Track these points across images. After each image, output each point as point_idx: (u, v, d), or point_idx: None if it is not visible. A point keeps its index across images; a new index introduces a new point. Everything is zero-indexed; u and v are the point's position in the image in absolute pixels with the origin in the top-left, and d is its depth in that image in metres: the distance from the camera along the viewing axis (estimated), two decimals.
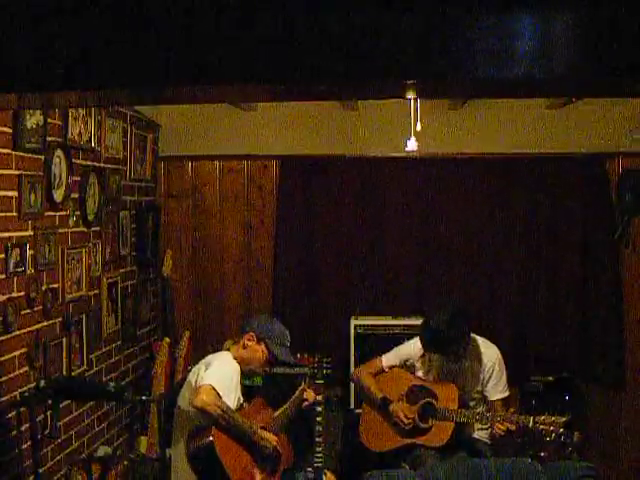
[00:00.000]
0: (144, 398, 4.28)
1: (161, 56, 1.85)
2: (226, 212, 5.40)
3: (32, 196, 3.52)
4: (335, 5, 1.78)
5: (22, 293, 3.47)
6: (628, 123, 5.04)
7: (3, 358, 3.32)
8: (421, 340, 4.10)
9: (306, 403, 3.97)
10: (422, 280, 5.25)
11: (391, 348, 4.36)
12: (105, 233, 4.41)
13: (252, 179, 5.38)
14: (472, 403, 4.14)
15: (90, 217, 4.17)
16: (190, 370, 3.93)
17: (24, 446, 3.45)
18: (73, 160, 3.92)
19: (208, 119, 5.26)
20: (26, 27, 1.87)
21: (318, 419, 3.91)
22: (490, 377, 4.11)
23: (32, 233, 3.55)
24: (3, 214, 3.32)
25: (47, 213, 3.70)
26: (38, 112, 3.47)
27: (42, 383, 3.38)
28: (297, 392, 3.99)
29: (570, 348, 5.16)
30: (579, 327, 5.17)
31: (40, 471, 3.48)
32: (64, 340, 3.87)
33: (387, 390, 4.21)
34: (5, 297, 3.33)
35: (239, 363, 3.74)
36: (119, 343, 4.64)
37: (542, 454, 4.35)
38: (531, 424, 3.85)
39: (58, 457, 3.81)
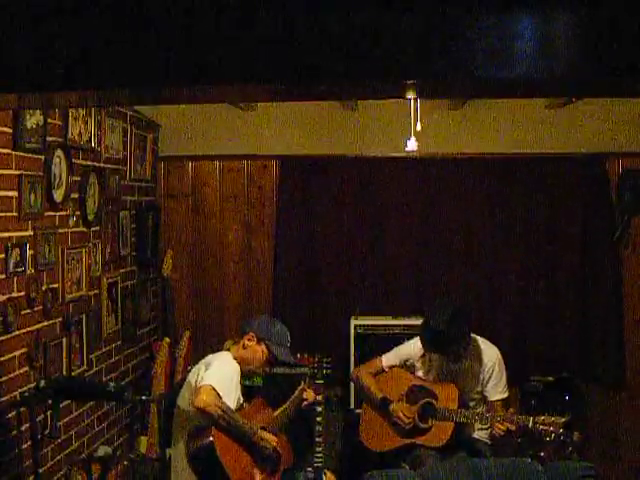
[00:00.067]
0: (144, 398, 4.28)
1: (161, 56, 1.85)
2: (226, 212, 5.40)
3: (32, 196, 3.52)
4: (335, 5, 1.78)
5: (22, 293, 3.47)
6: (628, 123, 5.04)
7: (3, 358, 3.32)
8: (421, 340, 4.10)
9: (306, 403, 3.97)
10: (422, 280, 5.25)
11: (391, 348, 4.36)
12: (105, 233, 4.41)
13: (252, 179, 5.38)
14: (472, 403, 4.14)
15: (90, 217, 4.17)
16: (190, 370, 3.93)
17: (24, 446, 3.45)
18: (73, 160, 3.92)
19: (208, 119, 5.26)
20: (26, 27, 1.87)
21: (318, 419, 3.91)
22: (490, 377, 4.11)
23: (32, 233, 3.55)
24: (3, 214, 3.32)
25: (47, 213, 3.70)
26: (38, 112, 3.47)
27: (42, 383, 3.38)
28: (297, 392, 3.99)
29: (570, 348, 5.16)
30: (579, 327, 5.17)
31: (40, 471, 3.48)
32: (64, 340, 3.87)
33: (387, 390, 4.21)
34: (5, 297, 3.32)
35: (239, 363, 3.74)
36: (119, 343, 4.64)
37: (542, 454, 4.35)
38: (531, 424, 3.85)
39: (58, 457, 3.81)
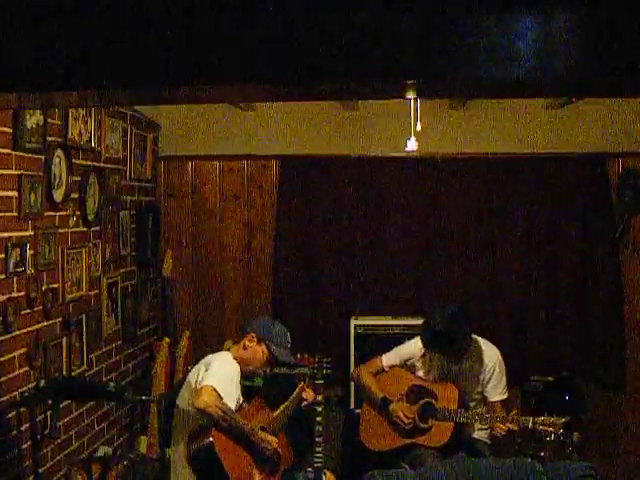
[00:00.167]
0: (144, 398, 4.28)
1: (161, 56, 1.85)
2: (226, 212, 5.40)
3: (32, 196, 3.52)
4: (335, 5, 1.78)
5: (22, 293, 3.47)
6: (628, 123, 5.04)
7: (3, 358, 3.32)
8: (422, 340, 4.10)
9: (305, 402, 3.97)
10: (422, 280, 5.25)
11: (391, 348, 4.36)
12: (105, 233, 4.41)
13: (252, 179, 5.38)
14: (472, 404, 4.14)
15: (90, 217, 4.17)
16: (190, 370, 3.93)
17: (24, 446, 3.45)
18: (73, 160, 3.92)
19: (208, 119, 5.26)
20: (26, 27, 1.87)
21: (318, 419, 3.91)
22: (490, 378, 4.11)
23: (32, 233, 3.55)
24: (3, 214, 3.32)
25: (47, 213, 3.70)
26: (38, 112, 3.47)
27: (42, 383, 3.39)
28: (296, 391, 3.98)
29: (570, 348, 5.16)
30: (579, 327, 5.17)
31: (40, 471, 3.48)
32: (64, 340, 3.87)
33: (387, 390, 4.21)
34: (5, 297, 3.32)
35: (239, 363, 3.74)
36: (119, 343, 4.64)
37: (542, 454, 4.35)
38: (530, 425, 3.85)
39: (58, 457, 3.81)
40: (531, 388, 4.98)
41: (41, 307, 3.64)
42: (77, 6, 1.85)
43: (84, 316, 4.10)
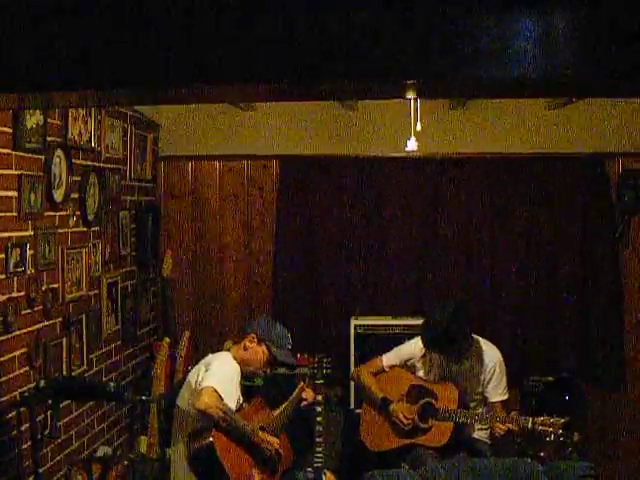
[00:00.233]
0: (144, 398, 4.28)
1: (161, 56, 1.85)
2: (226, 212, 5.40)
3: (32, 196, 3.52)
4: (335, 5, 1.78)
5: (22, 293, 3.47)
6: (628, 123, 5.04)
7: (3, 358, 3.31)
8: (422, 339, 4.10)
9: (305, 403, 3.97)
10: (422, 280, 5.25)
11: (391, 348, 4.36)
12: (105, 233, 4.41)
13: (252, 179, 5.38)
14: (472, 404, 4.14)
15: (90, 217, 4.17)
16: (190, 370, 3.93)
17: (24, 446, 3.45)
18: (73, 160, 3.92)
19: (208, 119, 5.27)
20: (26, 27, 1.87)
21: (318, 419, 3.91)
22: (491, 379, 4.11)
23: (32, 233, 3.55)
24: (3, 214, 3.32)
25: (47, 213, 3.70)
26: (38, 112, 3.47)
27: (42, 383, 3.39)
28: (296, 391, 3.98)
29: (570, 348, 5.16)
30: (579, 327, 5.17)
31: (40, 471, 3.48)
32: (64, 340, 3.87)
33: (387, 390, 4.21)
34: (5, 297, 3.32)
35: (239, 364, 3.74)
36: (119, 343, 4.63)
37: (542, 454, 4.34)
38: (530, 425, 3.85)
39: (58, 457, 3.81)
40: (531, 388, 4.98)
41: (41, 307, 3.64)
42: (77, 6, 1.85)
43: (84, 316, 4.10)
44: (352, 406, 4.87)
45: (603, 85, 2.04)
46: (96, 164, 4.27)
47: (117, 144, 4.58)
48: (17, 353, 3.43)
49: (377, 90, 2.14)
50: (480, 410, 4.11)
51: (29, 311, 3.54)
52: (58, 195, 3.79)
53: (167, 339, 4.92)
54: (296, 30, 1.79)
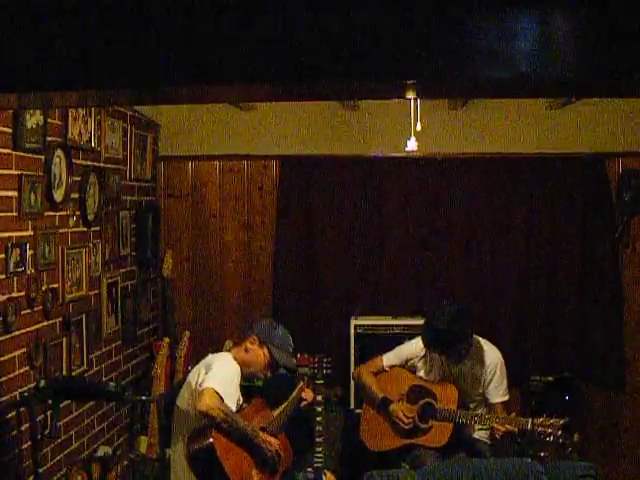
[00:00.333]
0: (144, 398, 4.28)
1: (161, 56, 1.85)
2: (226, 212, 5.40)
3: (32, 196, 3.52)
4: (335, 5, 1.78)
5: (22, 293, 3.47)
6: (628, 123, 5.04)
7: (3, 358, 3.32)
8: (423, 339, 4.10)
9: (304, 403, 3.97)
10: (422, 280, 5.25)
11: (391, 348, 4.36)
12: (105, 233, 4.41)
13: (252, 179, 5.38)
14: (473, 405, 4.13)
15: (90, 217, 4.17)
16: (190, 370, 3.93)
17: (24, 446, 3.45)
18: (73, 160, 3.92)
19: (208, 119, 5.26)
20: (26, 27, 1.87)
21: (318, 419, 3.91)
22: (491, 379, 4.11)
23: (32, 233, 3.55)
24: (3, 214, 3.32)
25: (47, 213, 3.70)
26: (38, 112, 3.47)
27: (42, 383, 3.39)
28: (295, 391, 3.98)
29: (570, 348, 5.16)
30: (579, 327, 5.17)
31: (40, 471, 3.48)
32: (64, 340, 3.87)
33: (387, 390, 4.21)
34: (5, 297, 3.32)
35: (240, 365, 3.73)
36: (119, 343, 4.63)
37: (542, 454, 4.35)
38: (529, 426, 3.85)
39: (58, 457, 3.81)
40: (531, 388, 4.98)
41: (41, 307, 3.64)
42: (77, 6, 1.85)
43: (84, 316, 4.10)
44: (352, 406, 4.87)
45: (603, 85, 2.04)
46: (96, 164, 4.28)
47: (117, 144, 4.58)
48: (17, 353, 3.43)
49: (377, 90, 2.15)
50: (480, 411, 4.11)
51: (29, 311, 3.54)
52: (58, 195, 3.79)
53: (167, 339, 4.92)
54: (296, 30, 1.79)
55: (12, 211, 3.39)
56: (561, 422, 3.80)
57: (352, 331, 5.00)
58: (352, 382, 4.80)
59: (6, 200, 3.34)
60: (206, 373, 3.56)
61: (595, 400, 5.16)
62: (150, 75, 1.89)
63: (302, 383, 4.03)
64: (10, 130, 3.33)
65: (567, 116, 5.07)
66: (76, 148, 3.98)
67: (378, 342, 4.81)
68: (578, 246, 5.14)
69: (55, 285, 3.79)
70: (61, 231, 3.86)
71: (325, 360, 4.02)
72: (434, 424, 4.04)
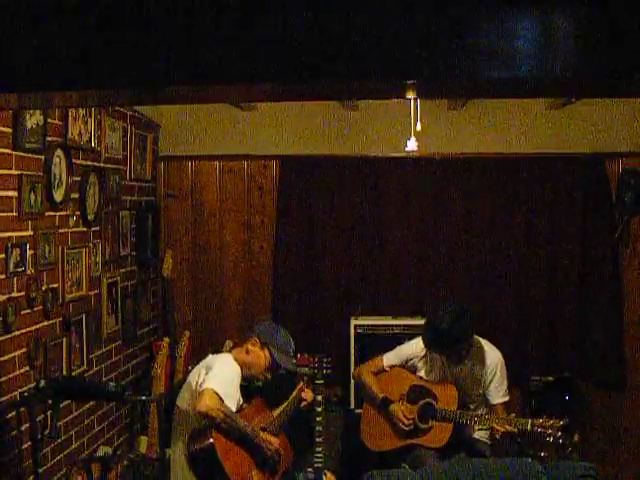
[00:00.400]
0: (144, 398, 4.28)
1: (161, 56, 1.85)
2: (226, 212, 5.40)
3: (32, 196, 3.52)
4: (335, 5, 1.78)
5: (22, 293, 3.47)
6: (628, 123, 5.04)
7: (3, 358, 3.32)
8: (424, 340, 4.10)
9: (304, 403, 3.97)
10: (422, 280, 5.25)
11: (391, 348, 4.36)
12: (105, 233, 4.41)
13: (252, 179, 5.38)
14: (473, 405, 4.14)
15: (90, 217, 4.17)
16: (190, 370, 3.93)
17: (24, 446, 3.45)
18: (73, 160, 3.92)
19: (208, 119, 5.26)
20: (26, 27, 1.87)
21: (318, 419, 3.91)
22: (492, 380, 4.11)
23: (32, 233, 3.55)
24: (3, 214, 3.32)
25: (47, 213, 3.70)
26: (38, 112, 3.47)
27: (42, 383, 3.39)
28: (295, 392, 3.98)
29: (570, 348, 5.16)
30: (579, 327, 5.17)
31: (40, 471, 3.48)
32: (64, 340, 3.87)
33: (388, 389, 4.21)
34: (5, 297, 3.32)
35: (240, 366, 3.74)
36: (119, 343, 4.63)
37: (542, 454, 4.35)
38: (529, 427, 3.85)
39: (58, 457, 3.81)
40: (531, 388, 4.98)
41: (41, 307, 3.64)
42: (77, 6, 1.85)
43: (84, 316, 4.10)
44: (352, 406, 4.87)
45: (603, 85, 2.04)
46: (96, 164, 4.27)
47: (117, 144, 4.58)
48: (17, 353, 3.43)
49: (377, 90, 2.14)
50: (480, 411, 4.11)
51: (29, 311, 3.54)
52: (58, 195, 3.79)
53: (167, 339, 4.92)
54: (296, 30, 1.79)
55: (12, 211, 3.39)
56: (561, 423, 3.80)
57: (352, 331, 5.00)
58: (352, 382, 4.80)
59: (6, 200, 3.34)
60: (206, 374, 3.57)
61: (595, 400, 5.16)
62: (150, 75, 1.89)
63: (302, 383, 4.03)
64: (10, 130, 3.33)
65: (567, 116, 5.07)
66: (76, 148, 3.98)
67: (378, 342, 4.81)
68: (578, 246, 5.14)
69: (55, 285, 3.79)
70: (61, 231, 3.86)
71: (325, 360, 4.02)
72: (434, 424, 4.04)
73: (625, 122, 5.04)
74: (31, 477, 3.44)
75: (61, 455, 3.84)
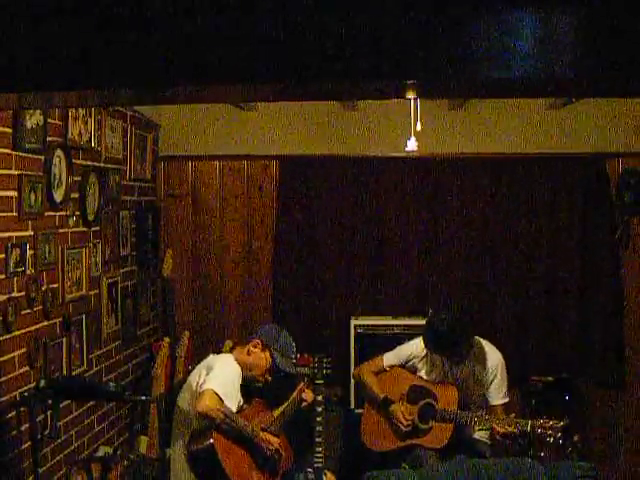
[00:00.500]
0: (144, 398, 4.28)
1: (161, 56, 1.85)
2: (226, 212, 5.40)
3: (32, 196, 3.52)
4: (335, 5, 1.78)
5: (22, 293, 3.47)
6: (628, 123, 5.04)
7: (3, 358, 3.31)
8: (424, 340, 4.10)
9: (305, 403, 3.97)
10: (422, 280, 5.25)
11: (391, 348, 4.36)
12: (105, 233, 4.41)
13: (252, 179, 5.38)
14: (473, 406, 4.13)
15: (90, 217, 4.17)
16: (191, 371, 3.93)
17: (24, 446, 3.45)
18: (73, 160, 3.92)
19: (208, 119, 5.26)
20: (26, 27, 1.87)
21: (318, 419, 3.91)
22: (492, 381, 4.11)
23: (32, 233, 3.55)
24: (3, 214, 3.32)
25: (47, 213, 3.70)
26: (38, 112, 3.47)
27: (42, 383, 3.39)
28: (295, 392, 3.98)
29: (570, 348, 5.16)
30: (579, 327, 5.17)
31: (40, 471, 3.48)
32: (64, 340, 3.87)
33: (388, 389, 4.21)
34: (5, 297, 3.32)
35: (241, 367, 3.74)
36: (119, 343, 4.63)
37: (542, 454, 4.35)
38: (529, 428, 3.85)
39: (58, 457, 3.81)
40: (531, 388, 4.98)
41: (41, 307, 3.64)
42: (77, 6, 1.85)
43: (84, 316, 4.10)
44: (352, 406, 4.87)
45: (603, 85, 2.04)
46: (96, 164, 4.27)
47: (117, 144, 4.58)
48: (17, 353, 3.43)
49: (377, 90, 2.14)
50: (480, 412, 4.11)
51: (29, 311, 3.53)
52: (58, 195, 3.79)
53: (167, 339, 4.92)
54: (296, 30, 1.79)
55: (12, 211, 3.39)
56: (561, 424, 3.80)
57: (352, 331, 5.00)
58: (352, 382, 4.80)
59: (6, 200, 3.34)
60: (207, 374, 3.57)
61: (595, 400, 5.16)
62: (150, 75, 1.89)
63: (302, 384, 4.03)
64: (10, 130, 3.33)
65: (567, 116, 5.07)
66: (76, 148, 3.98)
67: (378, 342, 4.81)
68: (578, 246, 5.14)
69: (55, 285, 3.79)
70: (61, 231, 3.86)
71: (325, 360, 4.02)
72: (434, 425, 4.04)
73: (625, 122, 5.04)
74: (31, 477, 3.44)
75: (61, 455, 3.84)
